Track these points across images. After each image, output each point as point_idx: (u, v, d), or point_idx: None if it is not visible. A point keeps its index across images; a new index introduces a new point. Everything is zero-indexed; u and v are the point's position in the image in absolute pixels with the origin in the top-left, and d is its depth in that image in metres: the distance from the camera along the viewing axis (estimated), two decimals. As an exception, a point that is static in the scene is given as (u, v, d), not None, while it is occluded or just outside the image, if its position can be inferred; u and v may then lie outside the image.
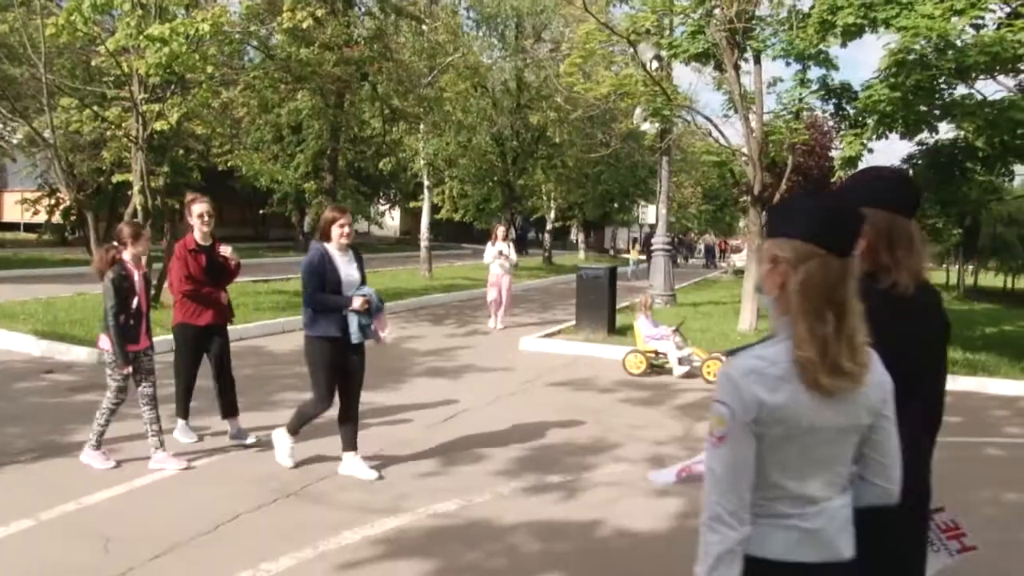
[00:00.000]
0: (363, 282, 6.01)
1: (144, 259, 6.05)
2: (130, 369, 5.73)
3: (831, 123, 16.32)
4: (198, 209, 6.46)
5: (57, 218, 26.76)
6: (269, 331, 12.35)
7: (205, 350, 6.60)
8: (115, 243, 5.89)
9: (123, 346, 5.69)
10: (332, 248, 5.94)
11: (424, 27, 21.89)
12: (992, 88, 45.70)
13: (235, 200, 36.48)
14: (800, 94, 13.64)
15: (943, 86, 10.90)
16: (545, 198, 35.91)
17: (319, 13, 12.59)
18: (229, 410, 6.64)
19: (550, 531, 5.04)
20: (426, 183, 25.23)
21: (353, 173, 29.83)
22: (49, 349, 10.03)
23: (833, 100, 13.70)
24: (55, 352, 9.95)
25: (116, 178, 13.46)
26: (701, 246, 56.25)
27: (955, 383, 10.36)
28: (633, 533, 4.64)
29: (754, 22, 13.58)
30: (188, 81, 12.62)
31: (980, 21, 10.64)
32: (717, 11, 13.46)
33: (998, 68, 10.68)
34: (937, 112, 10.87)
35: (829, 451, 2.08)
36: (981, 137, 10.72)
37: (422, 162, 25.02)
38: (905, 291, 2.50)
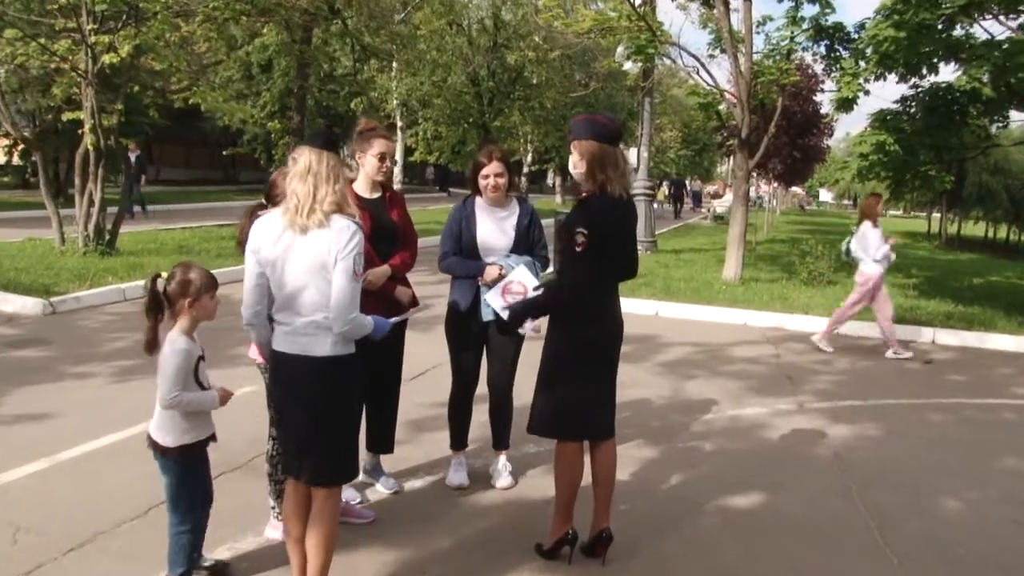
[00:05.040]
0: (525, 247, 4.68)
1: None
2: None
3: (819, 65, 15.61)
4: (380, 147, 4.49)
5: (17, 159, 25.61)
6: (233, 278, 11.66)
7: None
8: (263, 201, 3.95)
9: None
10: (480, 202, 4.74)
11: (397, -41, 20.93)
12: (995, 29, 45.07)
13: (204, 142, 35.50)
14: (792, 33, 13.01)
15: (947, 25, 10.29)
16: (522, 140, 35.09)
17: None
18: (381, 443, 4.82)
19: (543, 499, 4.54)
20: (399, 124, 24.45)
21: (322, 112, 28.80)
22: (-11, 299, 9.30)
23: (825, 41, 13.11)
24: (-5, 302, 9.23)
25: (66, 116, 12.58)
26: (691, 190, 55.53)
27: (954, 337, 10.03)
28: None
29: (746, -45, 12.85)
30: (142, 12, 11.76)
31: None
32: (707, -57, 12.72)
33: (1004, 7, 10.08)
34: (941, 52, 10.26)
35: (300, 285, 3.14)
36: (988, 81, 10.12)
37: (395, 102, 24.22)
38: (620, 197, 3.79)
